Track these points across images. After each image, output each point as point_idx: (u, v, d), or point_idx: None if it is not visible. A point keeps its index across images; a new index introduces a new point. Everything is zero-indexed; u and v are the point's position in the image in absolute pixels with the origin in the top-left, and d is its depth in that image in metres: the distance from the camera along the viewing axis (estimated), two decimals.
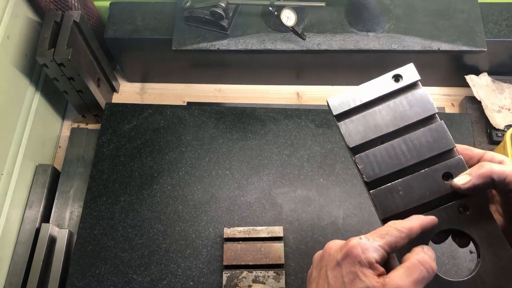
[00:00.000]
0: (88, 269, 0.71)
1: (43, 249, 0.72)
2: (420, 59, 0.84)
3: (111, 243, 0.72)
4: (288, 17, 0.74)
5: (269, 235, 0.68)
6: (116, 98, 0.96)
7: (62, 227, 0.79)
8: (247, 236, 0.68)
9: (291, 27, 0.75)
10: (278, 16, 0.74)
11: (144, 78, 0.97)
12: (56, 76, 0.79)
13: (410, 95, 0.41)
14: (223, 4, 0.75)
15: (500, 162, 0.39)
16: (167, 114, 0.83)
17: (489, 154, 0.40)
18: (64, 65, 0.75)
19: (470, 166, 0.39)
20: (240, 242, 0.68)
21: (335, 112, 0.42)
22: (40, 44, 0.75)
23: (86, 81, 0.80)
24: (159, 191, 0.76)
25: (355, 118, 0.41)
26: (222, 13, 0.75)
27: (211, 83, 0.97)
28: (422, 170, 0.39)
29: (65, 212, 0.81)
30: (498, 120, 0.84)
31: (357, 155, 0.40)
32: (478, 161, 0.41)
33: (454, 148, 0.40)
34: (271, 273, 0.66)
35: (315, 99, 0.94)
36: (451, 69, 0.89)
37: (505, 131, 0.82)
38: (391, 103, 0.41)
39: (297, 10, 0.74)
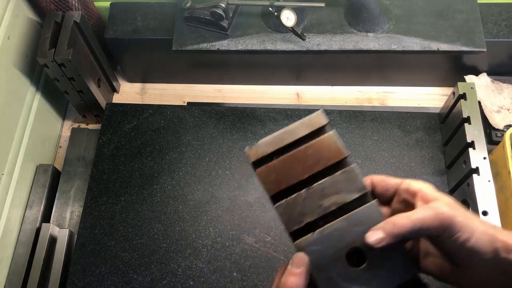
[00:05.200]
0: (88, 268, 0.71)
1: (44, 249, 0.73)
2: (419, 59, 0.84)
3: (112, 242, 0.73)
4: (288, 18, 0.74)
5: (310, 130, 0.45)
6: (117, 98, 0.96)
7: (62, 227, 0.79)
8: (281, 145, 0.44)
9: (291, 27, 0.75)
10: (278, 17, 0.74)
11: (145, 78, 0.97)
12: (56, 77, 0.79)
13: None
14: (223, 5, 0.75)
15: (415, 192, 0.39)
16: (167, 114, 0.83)
17: (405, 184, 0.40)
18: (65, 65, 0.76)
19: (386, 199, 0.42)
20: (275, 157, 0.45)
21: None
22: (41, 45, 0.75)
23: (86, 81, 0.81)
24: (159, 191, 0.76)
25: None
26: (222, 13, 0.76)
27: (211, 83, 0.97)
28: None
29: (66, 212, 0.81)
30: (497, 120, 0.84)
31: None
32: (394, 193, 0.42)
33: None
34: (338, 175, 0.43)
35: (315, 100, 0.94)
36: (451, 69, 0.89)
37: (504, 131, 0.82)
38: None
39: (297, 11, 0.75)
